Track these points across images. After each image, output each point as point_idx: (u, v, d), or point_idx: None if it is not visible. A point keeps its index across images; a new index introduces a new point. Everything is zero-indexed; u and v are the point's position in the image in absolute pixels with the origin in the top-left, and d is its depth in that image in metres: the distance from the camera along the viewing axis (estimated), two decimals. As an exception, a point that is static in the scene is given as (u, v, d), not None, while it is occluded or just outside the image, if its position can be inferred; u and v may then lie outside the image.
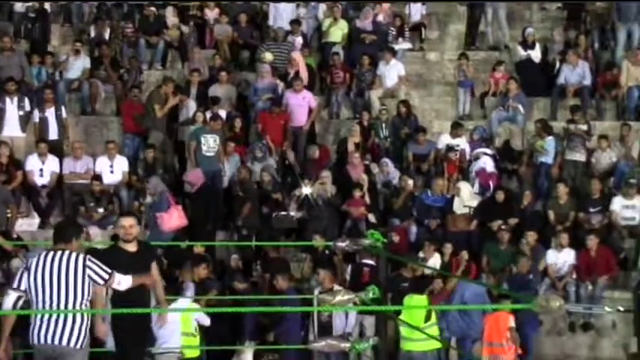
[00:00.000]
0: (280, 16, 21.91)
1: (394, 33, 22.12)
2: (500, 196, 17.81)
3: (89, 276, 8.39)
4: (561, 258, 16.60)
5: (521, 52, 21.36)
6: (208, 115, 18.96)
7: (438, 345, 14.06)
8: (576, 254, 16.61)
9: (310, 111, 19.59)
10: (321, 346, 11.83)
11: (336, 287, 13.70)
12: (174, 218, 16.51)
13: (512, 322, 14.30)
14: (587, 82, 20.52)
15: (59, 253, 8.51)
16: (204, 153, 18.40)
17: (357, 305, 13.98)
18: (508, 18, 22.41)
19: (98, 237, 16.60)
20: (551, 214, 17.74)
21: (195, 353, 13.09)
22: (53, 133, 18.98)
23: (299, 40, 21.28)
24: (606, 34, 21.78)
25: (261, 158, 18.55)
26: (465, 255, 16.53)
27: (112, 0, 23.00)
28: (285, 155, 19.14)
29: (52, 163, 18.40)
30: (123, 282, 8.76)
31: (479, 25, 22.48)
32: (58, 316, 8.26)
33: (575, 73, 20.54)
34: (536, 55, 21.30)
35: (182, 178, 18.54)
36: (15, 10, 21.94)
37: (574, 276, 16.45)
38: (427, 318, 13.81)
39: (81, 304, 8.37)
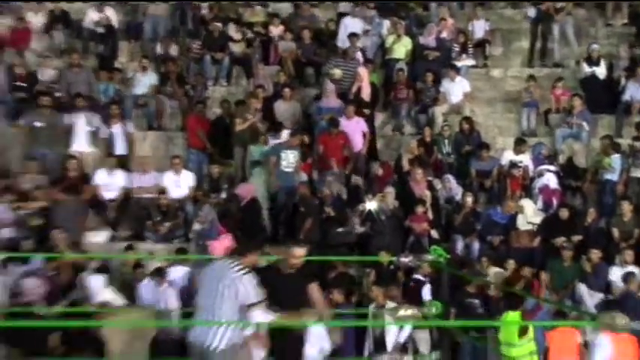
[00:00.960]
0: (343, 36, 21.81)
1: (458, 49, 22.21)
2: (564, 213, 17.77)
3: (235, 292, 8.83)
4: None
5: (586, 69, 21.36)
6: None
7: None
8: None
9: (364, 135, 19.59)
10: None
11: (389, 303, 13.81)
12: (223, 247, 16.56)
13: (579, 338, 14.35)
14: (654, 99, 20.55)
15: (228, 262, 9.09)
16: (283, 169, 18.46)
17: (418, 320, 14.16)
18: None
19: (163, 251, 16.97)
20: (615, 232, 17.67)
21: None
22: (120, 148, 19.29)
23: (358, 54, 21.24)
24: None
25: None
26: (527, 271, 16.54)
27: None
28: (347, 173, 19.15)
29: (119, 178, 18.61)
30: (261, 317, 9.01)
31: (546, 41, 22.48)
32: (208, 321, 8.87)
33: (642, 90, 20.62)
34: (601, 71, 21.30)
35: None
36: (83, 27, 22.23)
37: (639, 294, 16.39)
38: (521, 333, 13.63)
39: (221, 311, 8.86)
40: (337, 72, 20.25)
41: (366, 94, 20.35)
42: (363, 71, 20.49)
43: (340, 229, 17.59)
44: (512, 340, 13.60)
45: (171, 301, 15.31)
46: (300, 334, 9.84)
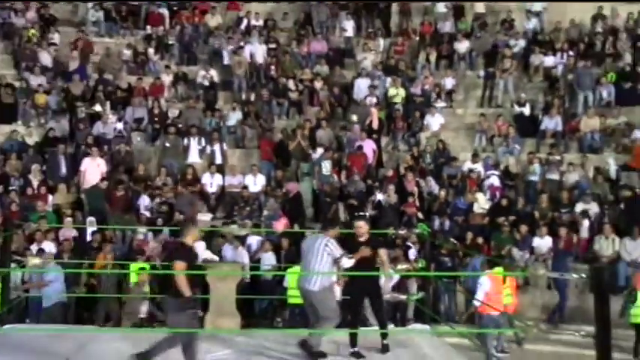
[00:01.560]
0: (359, 88, 21.86)
1: (435, 96, 22.07)
2: (504, 202, 17.84)
3: (327, 252, 8.92)
4: (543, 243, 16.47)
5: (517, 109, 21.24)
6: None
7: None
8: (552, 240, 16.49)
9: (374, 152, 19.54)
10: (387, 298, 11.84)
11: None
12: (282, 225, 16.56)
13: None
14: (559, 128, 20.44)
15: (319, 236, 9.23)
16: (324, 172, 18.59)
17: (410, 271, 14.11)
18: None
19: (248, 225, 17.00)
20: (537, 214, 17.68)
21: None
22: (218, 160, 19.36)
23: (374, 99, 21.19)
24: (572, 96, 21.58)
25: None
26: (479, 240, 16.51)
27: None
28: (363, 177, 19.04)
29: (217, 179, 18.74)
30: (346, 263, 9.06)
31: (492, 91, 22.33)
32: (307, 272, 9.01)
33: (552, 122, 20.45)
34: (526, 110, 21.13)
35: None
36: (196, 82, 22.24)
37: (551, 254, 16.30)
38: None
39: (321, 265, 8.90)
40: (354, 117, 20.35)
41: (375, 124, 20.25)
42: (373, 111, 20.43)
43: (360, 213, 17.50)
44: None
45: (245, 259, 15.44)
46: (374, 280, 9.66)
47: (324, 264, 8.91)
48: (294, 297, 13.44)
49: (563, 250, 16.25)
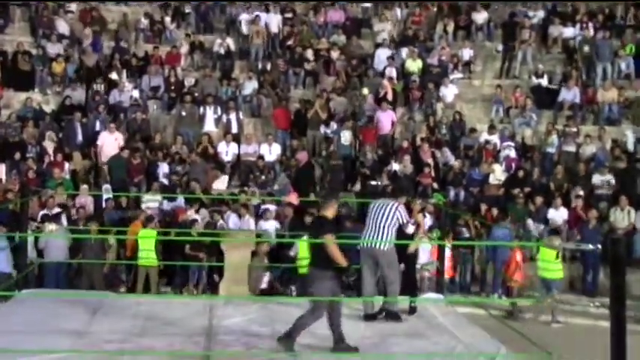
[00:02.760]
0: (379, 59, 21.74)
1: (452, 67, 21.88)
2: (520, 173, 17.70)
3: (397, 217, 9.24)
4: (558, 215, 16.37)
5: (535, 80, 21.03)
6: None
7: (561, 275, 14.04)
8: (568, 212, 16.39)
9: (392, 122, 19.43)
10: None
11: None
12: (292, 198, 16.43)
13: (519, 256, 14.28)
14: (577, 100, 20.20)
15: (389, 201, 9.44)
16: (343, 142, 18.53)
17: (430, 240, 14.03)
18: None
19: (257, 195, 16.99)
20: (552, 185, 17.55)
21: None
22: (234, 129, 19.26)
23: (393, 70, 21.06)
24: (590, 68, 21.34)
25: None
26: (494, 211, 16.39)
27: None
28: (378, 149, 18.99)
29: (233, 147, 18.70)
30: (410, 229, 9.51)
31: (511, 62, 22.07)
32: (378, 233, 9.19)
33: (570, 94, 20.22)
34: (544, 82, 20.94)
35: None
36: (213, 51, 22.15)
37: (566, 226, 16.19)
38: (557, 256, 13.62)
39: (390, 229, 9.19)
40: (365, 91, 20.29)
41: (389, 96, 20.05)
42: (386, 83, 20.25)
43: (372, 182, 17.53)
44: (551, 259, 13.59)
45: (251, 226, 15.54)
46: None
47: (392, 228, 9.19)
48: (303, 267, 13.49)
49: (578, 220, 16.06)
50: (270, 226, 15.59)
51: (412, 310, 9.61)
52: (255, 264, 13.91)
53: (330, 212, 8.20)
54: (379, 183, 17.36)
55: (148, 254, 14.00)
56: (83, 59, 20.97)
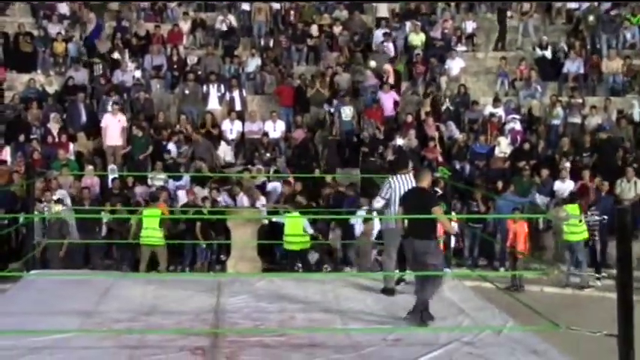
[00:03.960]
0: (377, 36, 21.50)
1: (455, 40, 21.77)
2: (525, 146, 17.65)
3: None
4: (564, 186, 16.28)
5: (539, 52, 20.92)
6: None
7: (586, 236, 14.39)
8: (575, 183, 16.33)
9: (395, 102, 19.34)
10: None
11: None
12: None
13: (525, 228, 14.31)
14: (582, 71, 20.12)
15: (406, 176, 9.04)
16: (344, 118, 18.45)
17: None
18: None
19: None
20: (557, 158, 17.47)
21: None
22: (238, 106, 19.22)
23: (391, 46, 20.91)
24: (594, 39, 21.22)
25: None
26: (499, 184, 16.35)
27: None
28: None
29: (237, 125, 18.68)
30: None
31: (505, 34, 21.97)
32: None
33: (574, 65, 20.12)
34: (548, 54, 20.82)
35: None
36: (215, 28, 22.03)
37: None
38: (580, 220, 13.89)
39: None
40: (372, 63, 20.19)
41: (391, 80, 19.86)
42: (388, 67, 20.09)
43: (372, 159, 17.48)
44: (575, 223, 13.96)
45: (262, 202, 15.69)
46: None
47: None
48: (290, 243, 13.84)
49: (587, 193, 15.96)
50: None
51: (398, 282, 9.45)
52: (362, 241, 14.20)
53: (426, 183, 8.24)
54: (384, 158, 17.33)
55: (152, 233, 13.66)
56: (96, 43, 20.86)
